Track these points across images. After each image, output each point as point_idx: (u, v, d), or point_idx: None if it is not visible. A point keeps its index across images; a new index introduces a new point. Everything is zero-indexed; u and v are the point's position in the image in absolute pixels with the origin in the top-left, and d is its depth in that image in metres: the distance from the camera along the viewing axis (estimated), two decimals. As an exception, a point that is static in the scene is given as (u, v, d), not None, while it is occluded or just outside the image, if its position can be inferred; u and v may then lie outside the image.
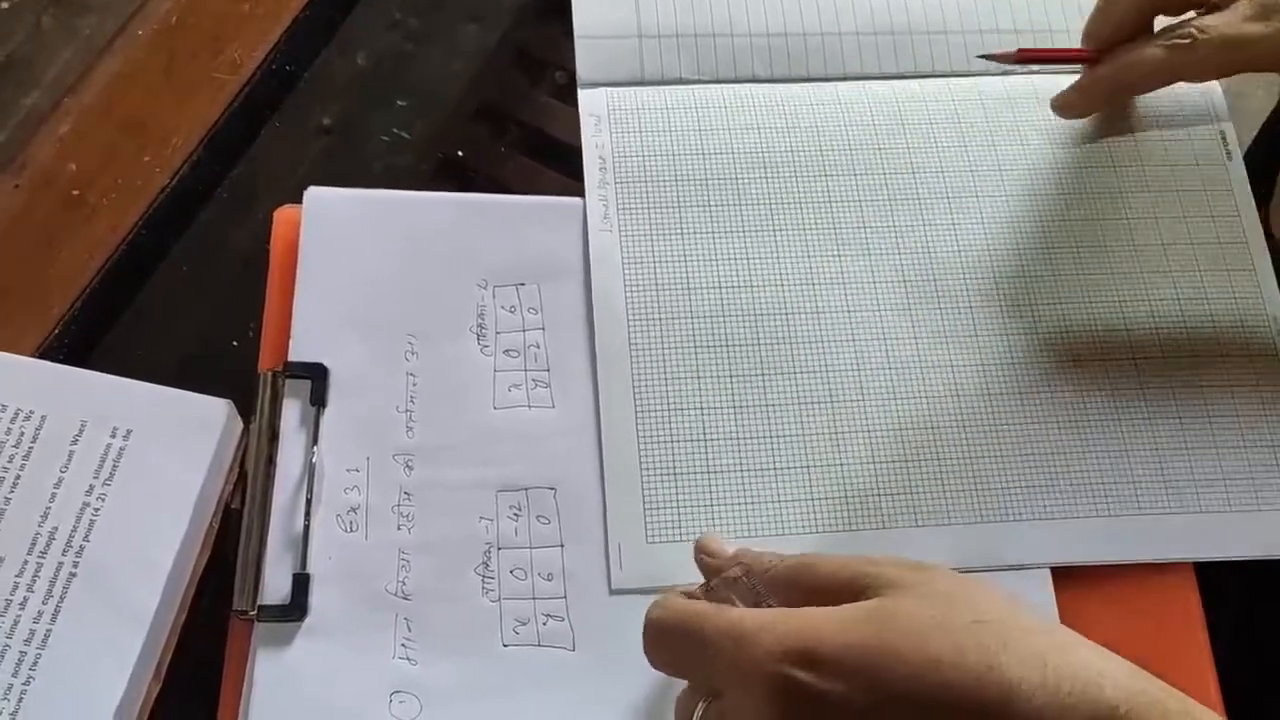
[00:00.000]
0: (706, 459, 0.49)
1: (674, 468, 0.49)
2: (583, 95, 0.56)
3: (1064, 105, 0.55)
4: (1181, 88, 0.55)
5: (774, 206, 0.54)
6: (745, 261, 0.52)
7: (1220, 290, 0.53)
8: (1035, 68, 0.57)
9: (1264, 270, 0.53)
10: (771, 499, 0.48)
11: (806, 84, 0.57)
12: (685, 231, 0.53)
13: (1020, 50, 0.54)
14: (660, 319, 0.51)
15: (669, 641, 0.38)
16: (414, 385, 0.49)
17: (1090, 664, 0.33)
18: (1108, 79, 0.53)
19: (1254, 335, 0.52)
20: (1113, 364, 0.51)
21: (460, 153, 0.56)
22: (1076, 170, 0.55)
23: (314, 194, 0.52)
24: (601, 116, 0.55)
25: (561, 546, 0.47)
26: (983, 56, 0.56)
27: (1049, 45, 0.57)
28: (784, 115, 0.56)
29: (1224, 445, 0.50)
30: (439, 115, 0.57)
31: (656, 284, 0.52)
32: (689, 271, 0.52)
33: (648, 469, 0.49)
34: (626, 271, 0.52)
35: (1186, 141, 0.56)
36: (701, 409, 0.50)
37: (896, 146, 0.55)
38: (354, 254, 0.51)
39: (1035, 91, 0.57)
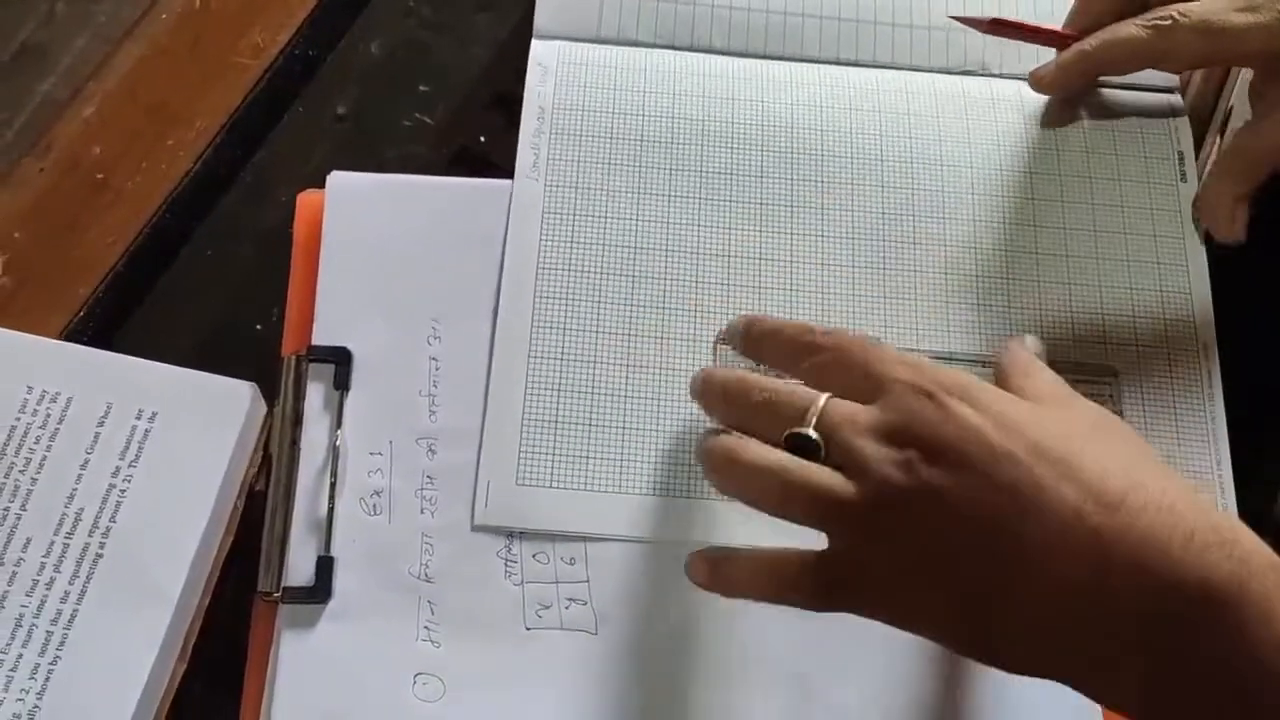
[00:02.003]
0: (591, 411, 0.49)
1: (557, 416, 0.49)
2: (536, 45, 0.55)
3: (1041, 79, 0.54)
4: (1150, 98, 0.55)
5: (704, 175, 0.53)
6: (665, 225, 0.52)
7: (1151, 311, 0.51)
8: (996, 70, 0.56)
9: (1199, 293, 0.52)
10: (649, 459, 0.48)
11: (762, 60, 0.56)
12: (611, 189, 0.52)
13: (994, 19, 0.54)
14: (570, 271, 0.51)
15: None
16: (437, 369, 0.49)
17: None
18: (1086, 56, 0.52)
19: (1179, 354, 0.51)
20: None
21: (482, 138, 0.56)
22: (1020, 176, 0.54)
23: (337, 178, 0.52)
24: (549, 68, 0.55)
25: (584, 530, 0.48)
26: (954, 18, 0.55)
27: (1018, 63, 0.56)
28: (731, 87, 0.55)
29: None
30: (455, 103, 0.57)
31: (573, 237, 0.51)
32: (608, 229, 0.52)
33: (530, 413, 0.48)
34: (545, 221, 0.52)
35: (1140, 158, 0.54)
36: (594, 362, 0.49)
37: (839, 131, 0.54)
38: (377, 238, 0.51)
39: (991, 95, 0.56)
